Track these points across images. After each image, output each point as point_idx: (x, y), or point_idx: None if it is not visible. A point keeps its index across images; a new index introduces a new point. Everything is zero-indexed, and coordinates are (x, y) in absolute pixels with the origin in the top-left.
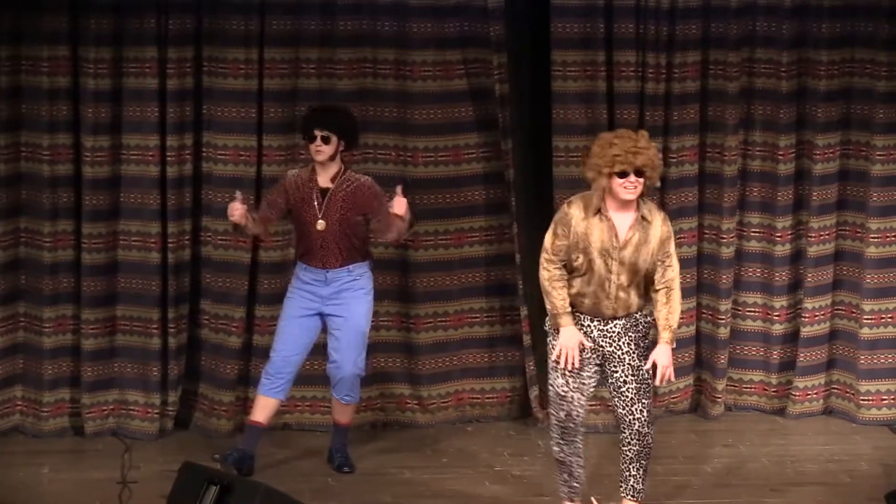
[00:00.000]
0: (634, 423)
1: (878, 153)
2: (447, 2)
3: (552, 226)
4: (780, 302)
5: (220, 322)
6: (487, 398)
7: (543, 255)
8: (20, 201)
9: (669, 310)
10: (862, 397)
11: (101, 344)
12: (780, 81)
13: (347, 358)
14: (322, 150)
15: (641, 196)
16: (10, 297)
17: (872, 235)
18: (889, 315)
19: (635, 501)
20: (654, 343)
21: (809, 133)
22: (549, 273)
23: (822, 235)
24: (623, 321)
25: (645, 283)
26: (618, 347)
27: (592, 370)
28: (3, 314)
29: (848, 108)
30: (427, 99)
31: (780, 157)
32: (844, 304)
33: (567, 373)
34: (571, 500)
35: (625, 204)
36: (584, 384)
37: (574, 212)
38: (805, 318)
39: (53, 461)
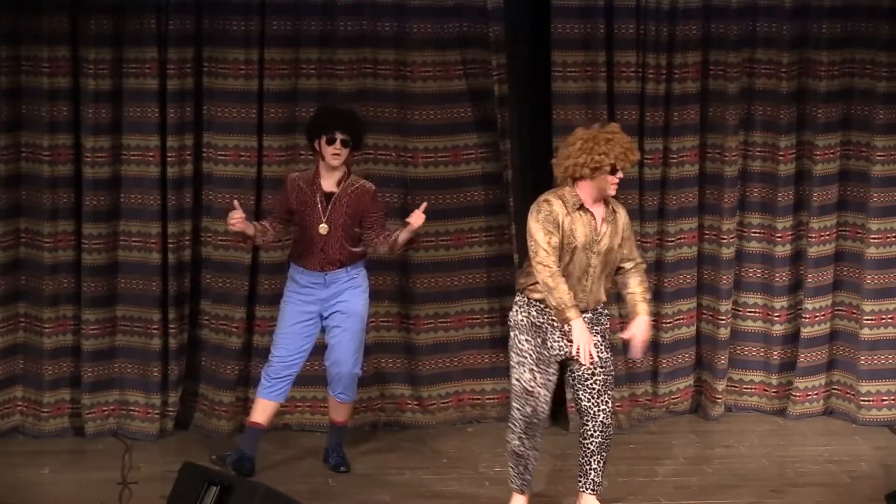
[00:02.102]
0: (599, 415)
1: (879, 154)
2: (447, 2)
3: (540, 225)
4: (780, 302)
5: (220, 322)
6: (488, 399)
7: (541, 254)
8: (20, 202)
9: (645, 287)
10: (862, 398)
11: (102, 344)
12: (781, 82)
13: (347, 356)
14: (340, 154)
15: None
16: (10, 297)
17: (873, 236)
18: (889, 316)
19: (595, 495)
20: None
21: (810, 134)
22: (549, 269)
23: (822, 236)
24: (590, 315)
25: (608, 275)
26: None
27: (556, 368)
28: (4, 314)
29: (848, 108)
30: (427, 99)
31: (781, 158)
32: (845, 305)
33: (535, 369)
34: (523, 493)
35: (597, 198)
36: (549, 380)
37: (557, 209)
38: (805, 318)
39: (54, 462)
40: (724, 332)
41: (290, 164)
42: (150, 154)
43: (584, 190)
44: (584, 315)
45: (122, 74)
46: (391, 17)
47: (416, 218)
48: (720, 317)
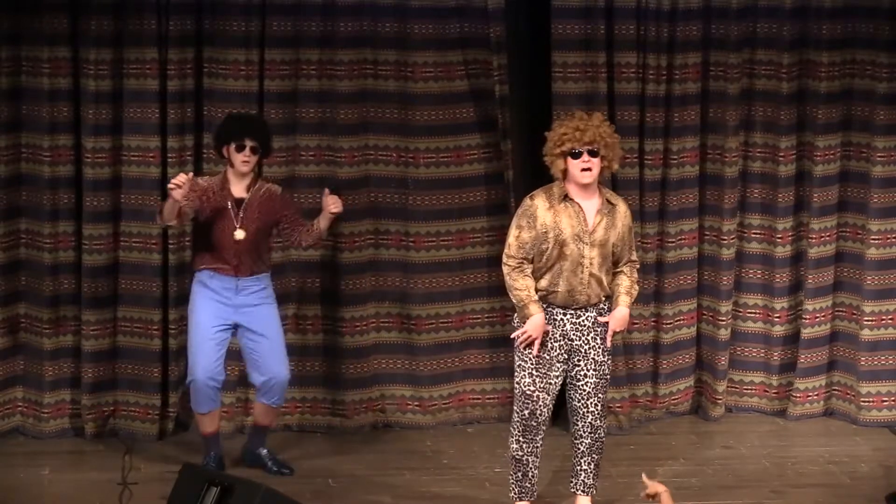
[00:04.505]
0: (588, 416)
1: (879, 155)
2: (447, 3)
3: (515, 220)
4: (780, 303)
5: None
6: (488, 399)
7: (506, 252)
8: (21, 203)
9: (633, 282)
10: (862, 399)
11: (102, 345)
12: (781, 83)
13: (280, 365)
14: (250, 161)
15: (600, 184)
16: (10, 298)
17: (873, 237)
18: (889, 317)
19: (587, 497)
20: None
21: (810, 134)
22: (509, 267)
23: (822, 237)
24: (595, 313)
25: (608, 269)
26: (585, 342)
27: (560, 370)
28: (4, 315)
29: (848, 109)
30: (428, 100)
31: (781, 159)
32: (845, 306)
33: (534, 372)
34: (521, 500)
35: (587, 189)
36: (550, 384)
37: (538, 202)
38: (806, 319)
39: (54, 462)
40: (724, 333)
41: (291, 165)
42: (151, 155)
43: (570, 182)
44: (588, 313)
45: (122, 75)
46: (392, 18)
47: (334, 205)
48: (720, 318)
